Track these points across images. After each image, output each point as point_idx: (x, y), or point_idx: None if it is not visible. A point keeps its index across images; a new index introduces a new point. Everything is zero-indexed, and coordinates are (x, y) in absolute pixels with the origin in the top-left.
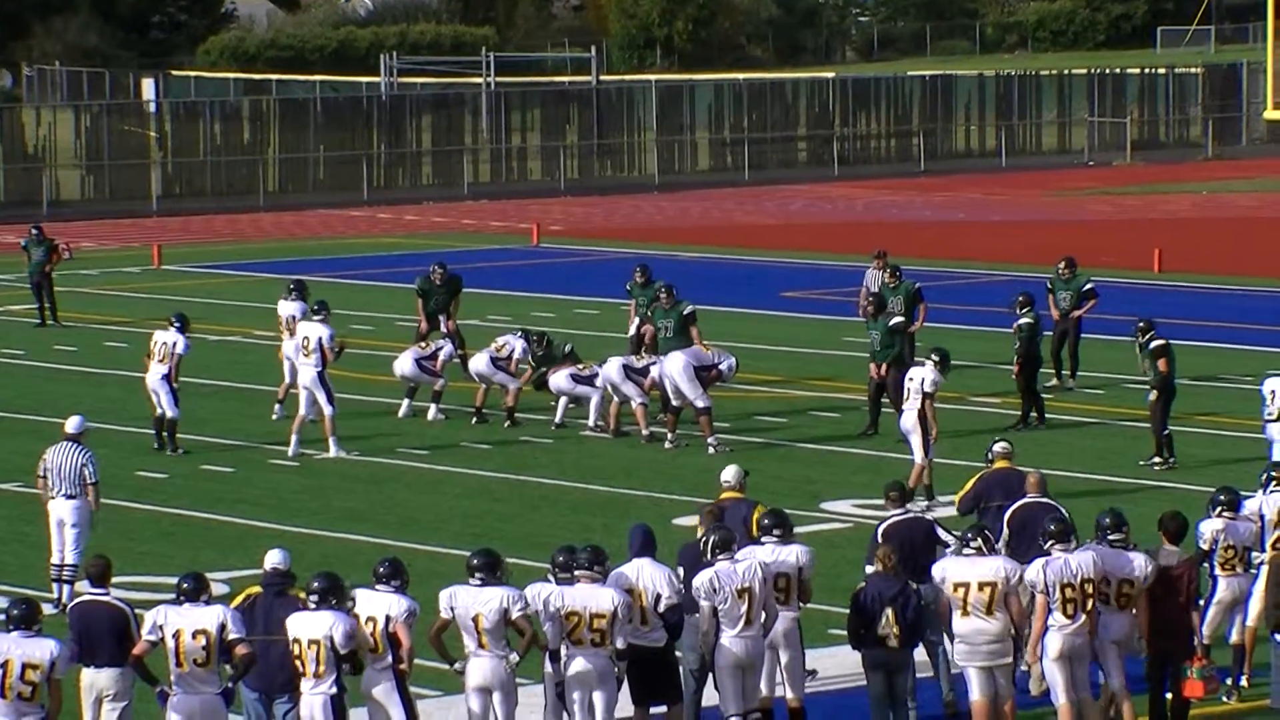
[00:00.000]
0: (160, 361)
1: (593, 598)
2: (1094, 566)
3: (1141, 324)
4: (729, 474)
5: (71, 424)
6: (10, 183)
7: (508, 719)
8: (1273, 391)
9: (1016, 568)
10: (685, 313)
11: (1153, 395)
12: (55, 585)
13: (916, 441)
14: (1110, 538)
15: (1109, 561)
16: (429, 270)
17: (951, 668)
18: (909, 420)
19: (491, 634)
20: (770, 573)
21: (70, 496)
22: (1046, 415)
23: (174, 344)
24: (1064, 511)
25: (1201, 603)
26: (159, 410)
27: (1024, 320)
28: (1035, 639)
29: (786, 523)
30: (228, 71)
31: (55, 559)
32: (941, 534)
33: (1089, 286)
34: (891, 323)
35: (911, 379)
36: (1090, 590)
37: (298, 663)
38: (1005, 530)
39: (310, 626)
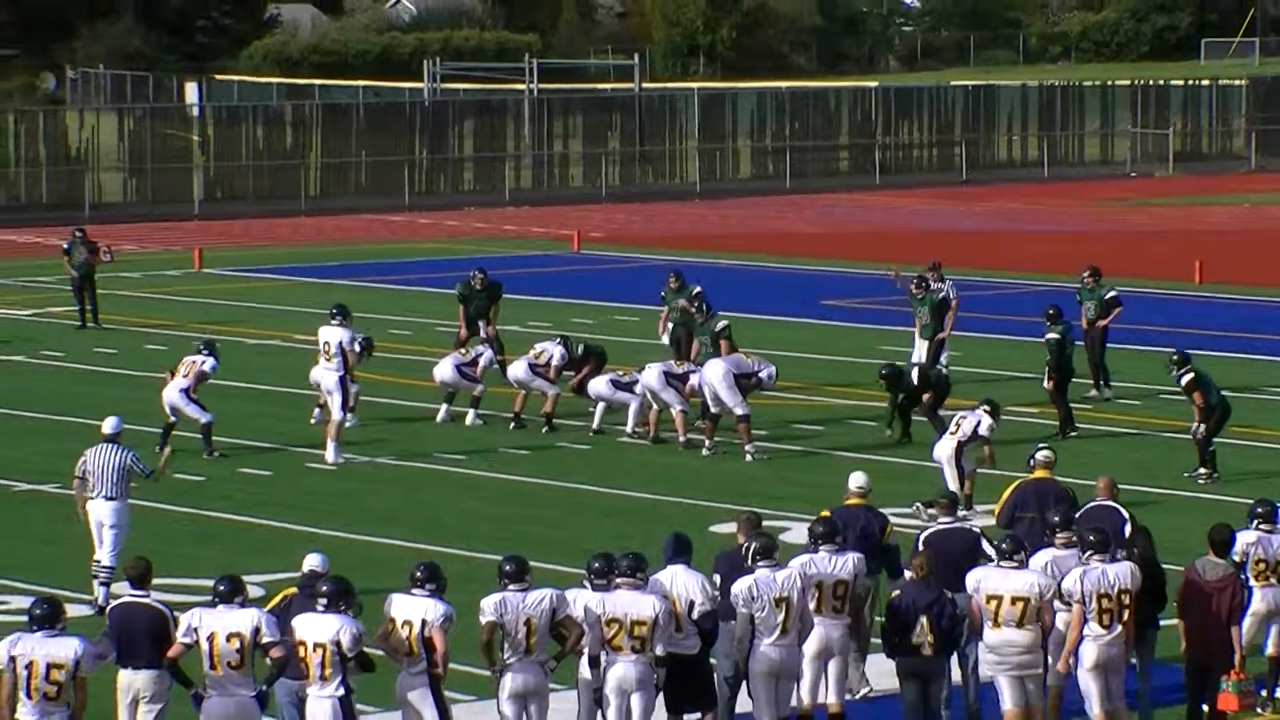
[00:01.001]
0: (184, 376)
1: (634, 604)
2: (1131, 578)
3: (1176, 357)
4: (861, 480)
5: (109, 425)
6: (53, 185)
7: None
8: None
9: (1051, 583)
10: (716, 330)
11: (1200, 429)
12: (96, 585)
13: (950, 474)
14: (1061, 536)
15: (1062, 563)
16: (469, 276)
17: (980, 677)
18: (946, 450)
19: (541, 637)
20: (829, 581)
21: (110, 498)
22: (1080, 425)
23: (201, 361)
24: (1125, 515)
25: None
26: (171, 419)
27: (1052, 335)
28: (1069, 649)
29: (841, 531)
30: (271, 76)
31: (97, 558)
32: (986, 548)
33: (1112, 295)
34: (913, 373)
35: (965, 418)
36: (1127, 601)
37: (302, 665)
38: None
39: (317, 630)
